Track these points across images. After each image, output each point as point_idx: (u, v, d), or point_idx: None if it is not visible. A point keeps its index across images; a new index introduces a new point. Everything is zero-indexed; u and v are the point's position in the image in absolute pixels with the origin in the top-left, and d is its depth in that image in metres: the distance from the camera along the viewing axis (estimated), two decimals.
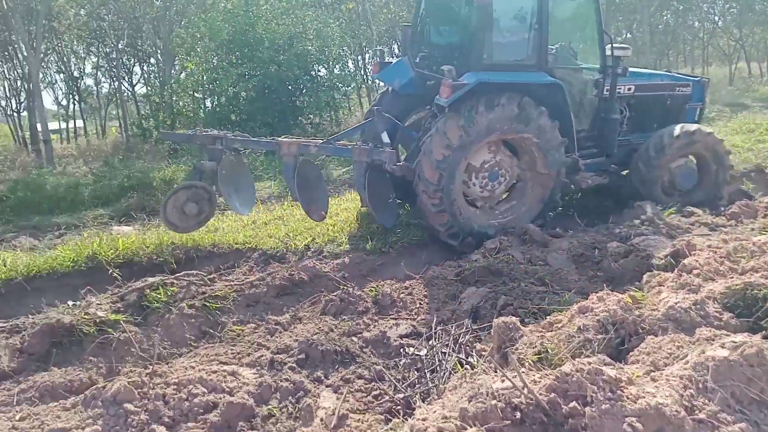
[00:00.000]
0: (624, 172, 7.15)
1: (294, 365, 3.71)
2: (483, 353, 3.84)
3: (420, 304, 4.67)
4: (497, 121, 5.80)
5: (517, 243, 5.52)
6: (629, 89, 7.10)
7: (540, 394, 2.76)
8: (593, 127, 6.95)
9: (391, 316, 4.49)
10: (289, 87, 14.86)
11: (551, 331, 3.72)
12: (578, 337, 3.39)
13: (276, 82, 14.35)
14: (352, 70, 20.22)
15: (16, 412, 3.21)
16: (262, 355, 3.83)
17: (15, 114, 23.63)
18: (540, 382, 2.86)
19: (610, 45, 6.58)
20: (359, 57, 22.84)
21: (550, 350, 3.39)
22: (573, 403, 2.65)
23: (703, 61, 27.65)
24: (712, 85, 12.06)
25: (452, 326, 4.13)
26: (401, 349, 3.98)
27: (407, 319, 4.44)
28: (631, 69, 6.88)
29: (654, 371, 2.99)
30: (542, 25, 5.98)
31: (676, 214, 5.79)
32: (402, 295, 4.74)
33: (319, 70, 16.20)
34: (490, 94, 5.78)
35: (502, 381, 2.91)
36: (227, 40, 14.74)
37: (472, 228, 5.98)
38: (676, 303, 3.37)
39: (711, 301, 3.39)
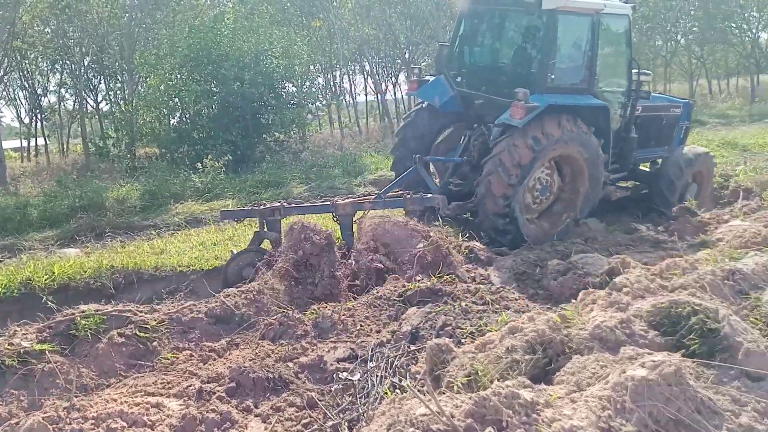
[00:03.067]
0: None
1: (223, 395, 3.61)
2: (417, 376, 3.80)
3: (361, 326, 4.61)
4: (559, 140, 6.29)
5: (462, 262, 5.50)
6: (638, 110, 7.56)
7: (459, 420, 2.72)
8: (615, 145, 7.30)
9: (331, 340, 4.42)
10: (254, 104, 14.78)
11: (483, 351, 3.69)
12: (506, 358, 3.37)
13: (239, 99, 14.28)
14: (321, 88, 20.25)
15: None
16: (191, 385, 3.72)
17: None
18: (462, 406, 2.82)
19: (636, 70, 7.26)
20: (329, 74, 22.90)
21: (479, 372, 3.36)
22: (489, 429, 2.62)
23: (666, 79, 28.31)
24: None
25: (389, 348, 4.08)
26: (336, 374, 3.91)
27: (347, 342, 4.37)
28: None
29: (577, 392, 2.98)
30: (594, 52, 6.68)
31: (619, 230, 5.88)
32: (343, 317, 4.68)
33: (285, 88, 16.18)
34: (551, 114, 6.26)
35: (425, 407, 2.87)
36: (191, 57, 14.66)
37: (530, 233, 6.36)
38: (602, 322, 3.37)
39: (638, 319, 3.40)
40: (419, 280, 5.03)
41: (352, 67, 24.63)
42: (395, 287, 5.01)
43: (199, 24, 15.37)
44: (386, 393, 3.51)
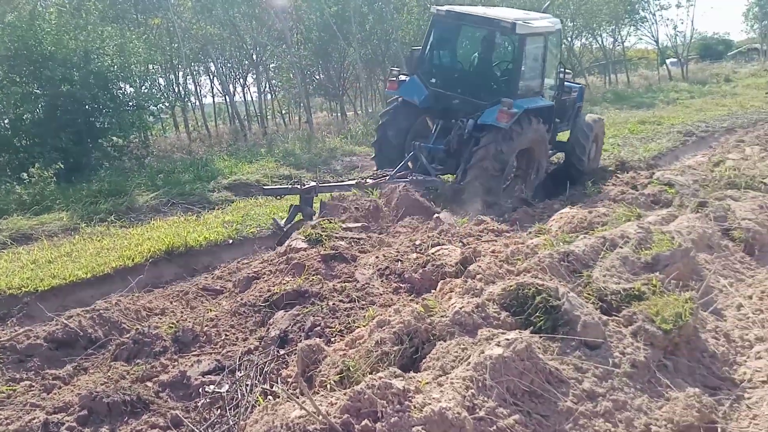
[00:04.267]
0: None
1: (74, 424, 3.28)
2: (289, 380, 3.77)
3: (226, 335, 4.45)
4: (529, 135, 8.13)
5: (327, 260, 5.53)
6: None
7: (335, 417, 2.75)
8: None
9: (194, 353, 4.21)
10: (86, 107, 13.49)
11: (354, 347, 3.76)
12: (376, 351, 3.46)
13: (69, 101, 12.95)
14: (163, 88, 19.05)
15: None
16: (34, 418, 3.33)
17: None
18: (336, 403, 2.85)
19: (562, 69, 9.47)
20: (171, 75, 21.63)
21: (351, 368, 3.42)
22: (365, 421, 2.68)
23: None
24: None
25: (258, 355, 3.99)
26: (202, 388, 3.74)
27: (211, 353, 4.19)
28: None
29: (442, 376, 3.15)
30: (545, 62, 8.57)
31: (469, 222, 6.29)
32: (206, 329, 4.48)
33: (122, 88, 14.98)
34: (523, 116, 7.95)
35: (301, 409, 2.86)
36: (8, 57, 13.01)
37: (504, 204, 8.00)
38: (461, 308, 3.60)
39: (491, 302, 3.68)
40: (284, 283, 4.97)
41: (196, 68, 23.53)
42: (260, 292, 4.91)
43: (15, 20, 13.64)
44: (258, 401, 3.43)
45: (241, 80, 24.10)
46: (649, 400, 3.11)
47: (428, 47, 8.86)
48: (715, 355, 3.56)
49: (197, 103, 23.83)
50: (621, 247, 4.52)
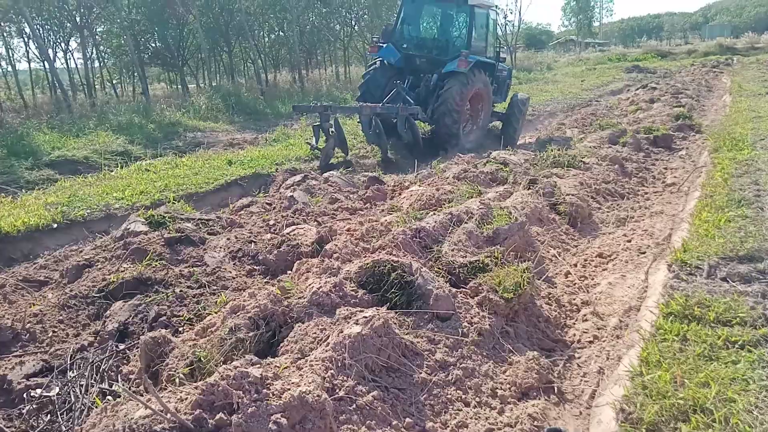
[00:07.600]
0: None
1: None
2: (131, 377, 3.45)
3: (54, 332, 3.94)
4: (479, 81, 10.94)
5: (172, 244, 5.15)
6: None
7: (185, 414, 2.56)
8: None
9: (15, 354, 3.68)
10: None
11: (205, 336, 3.55)
12: (230, 338, 3.30)
13: None
14: None
15: None
16: None
17: None
18: (187, 398, 2.66)
19: (500, 45, 12.79)
20: None
21: (203, 359, 3.22)
22: (220, 415, 2.53)
23: (345, 61, 30.80)
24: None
25: (93, 352, 3.60)
26: (27, 393, 3.29)
27: (37, 353, 3.70)
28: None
29: (302, 359, 3.09)
30: (487, 30, 11.79)
31: (323, 201, 6.25)
32: (29, 325, 3.94)
33: None
34: (476, 67, 10.90)
35: (146, 408, 2.62)
36: None
37: (462, 142, 10.90)
38: (318, 288, 3.56)
39: (348, 281, 3.68)
40: (122, 271, 4.54)
41: (8, 29, 20.53)
42: (94, 282, 4.42)
43: None
44: (95, 403, 3.10)
45: (63, 45, 21.53)
46: (494, 365, 3.32)
47: (399, 21, 11.84)
48: (549, 320, 3.91)
49: (9, 68, 20.91)
50: (466, 223, 4.78)
